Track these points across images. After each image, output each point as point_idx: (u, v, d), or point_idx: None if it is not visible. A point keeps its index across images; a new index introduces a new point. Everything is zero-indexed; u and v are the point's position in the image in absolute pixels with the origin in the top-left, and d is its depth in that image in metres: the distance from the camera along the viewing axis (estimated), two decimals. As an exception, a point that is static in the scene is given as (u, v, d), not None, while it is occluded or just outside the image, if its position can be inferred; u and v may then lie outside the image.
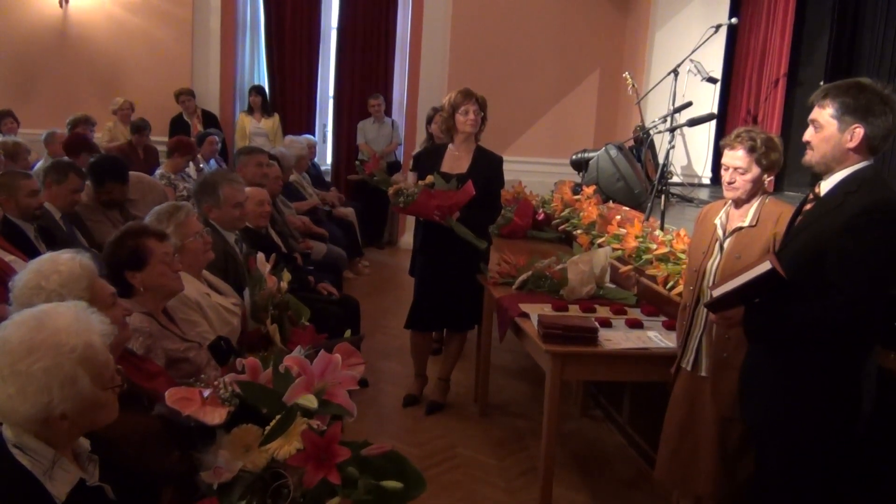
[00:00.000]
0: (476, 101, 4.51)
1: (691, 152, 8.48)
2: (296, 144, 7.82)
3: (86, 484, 1.75)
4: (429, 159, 4.69)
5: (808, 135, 2.53)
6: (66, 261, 2.24)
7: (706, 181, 8.46)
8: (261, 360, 2.30)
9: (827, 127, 2.46)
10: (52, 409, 1.64)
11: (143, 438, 2.02)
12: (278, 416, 2.08)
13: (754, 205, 2.94)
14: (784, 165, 2.99)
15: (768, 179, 2.95)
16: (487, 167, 4.57)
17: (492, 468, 4.08)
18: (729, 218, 3.01)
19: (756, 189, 2.93)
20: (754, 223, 2.91)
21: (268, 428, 2.07)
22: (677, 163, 8.12)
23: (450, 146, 4.64)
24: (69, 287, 2.18)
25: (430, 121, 6.30)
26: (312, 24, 9.33)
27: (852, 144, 2.43)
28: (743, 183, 2.91)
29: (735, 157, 2.91)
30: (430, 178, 4.39)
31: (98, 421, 1.77)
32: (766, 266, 2.45)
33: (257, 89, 8.94)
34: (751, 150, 2.87)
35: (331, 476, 1.98)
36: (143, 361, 2.46)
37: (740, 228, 2.94)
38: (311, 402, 2.09)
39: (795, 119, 8.25)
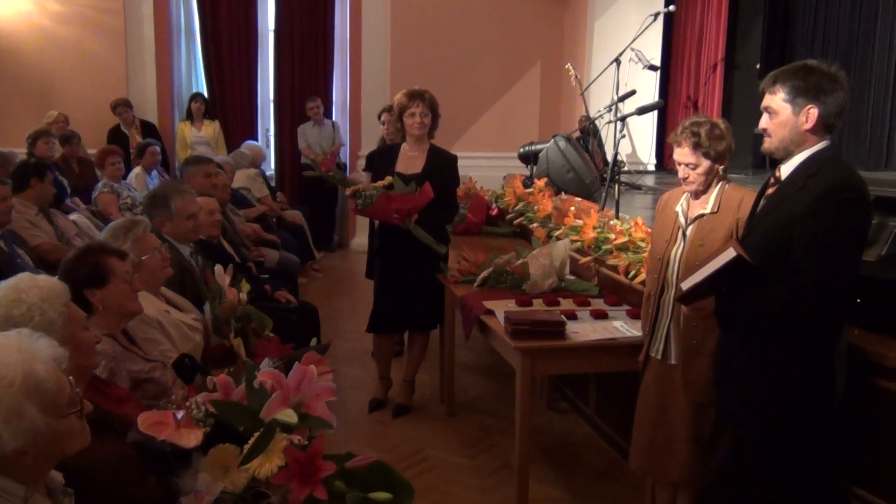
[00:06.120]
0: (422, 101, 4.45)
1: (636, 140, 8.60)
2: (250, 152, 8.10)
3: (61, 519, 1.67)
4: (382, 159, 4.64)
5: (764, 122, 2.54)
6: (45, 279, 2.17)
7: (651, 168, 8.61)
8: (229, 376, 2.25)
9: (781, 112, 2.48)
10: (3, 446, 1.55)
11: (117, 466, 1.94)
12: (256, 434, 2.03)
13: (714, 191, 2.95)
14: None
15: (721, 168, 2.96)
16: (442, 166, 4.54)
17: (464, 468, 4.05)
18: (690, 205, 3.02)
19: (711, 178, 2.94)
20: (716, 210, 2.91)
21: (246, 447, 2.02)
22: (622, 151, 8.22)
23: (403, 146, 4.60)
24: (50, 301, 2.09)
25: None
26: (249, 27, 9.18)
27: (808, 126, 2.45)
28: (696, 177, 2.91)
29: (683, 154, 2.91)
30: (388, 180, 4.33)
31: (67, 449, 1.68)
32: (730, 254, 2.46)
33: (199, 96, 8.80)
34: (695, 147, 2.87)
35: (317, 492, 1.94)
36: (110, 386, 2.38)
37: (702, 216, 2.95)
38: (290, 416, 2.04)
39: (735, 102, 8.45)
